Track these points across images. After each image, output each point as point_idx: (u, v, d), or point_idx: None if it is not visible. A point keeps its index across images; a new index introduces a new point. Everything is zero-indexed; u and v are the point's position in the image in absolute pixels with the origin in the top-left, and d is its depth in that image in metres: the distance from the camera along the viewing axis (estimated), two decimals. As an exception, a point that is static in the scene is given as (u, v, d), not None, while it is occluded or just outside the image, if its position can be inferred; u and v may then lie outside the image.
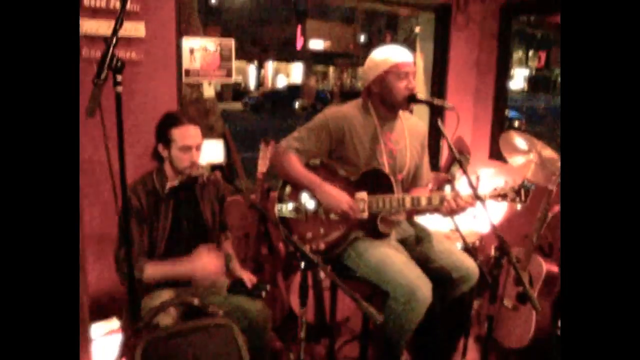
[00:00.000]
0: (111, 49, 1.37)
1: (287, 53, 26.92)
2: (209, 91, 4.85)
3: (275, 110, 20.58)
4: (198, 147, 2.11)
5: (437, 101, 2.14)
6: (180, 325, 1.58)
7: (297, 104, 21.01)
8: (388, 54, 2.21)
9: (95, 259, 2.59)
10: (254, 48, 25.15)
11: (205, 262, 2.03)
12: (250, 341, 1.84)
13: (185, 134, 2.07)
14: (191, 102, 4.63)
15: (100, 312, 2.48)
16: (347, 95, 25.77)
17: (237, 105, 21.82)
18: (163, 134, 2.08)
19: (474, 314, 2.98)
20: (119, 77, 1.39)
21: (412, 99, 2.17)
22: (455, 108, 2.04)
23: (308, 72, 26.83)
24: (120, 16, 1.41)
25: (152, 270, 2.02)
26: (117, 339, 2.35)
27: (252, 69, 27.99)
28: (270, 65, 28.79)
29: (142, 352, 1.39)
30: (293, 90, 22.86)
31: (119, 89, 1.40)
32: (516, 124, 10.17)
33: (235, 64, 3.05)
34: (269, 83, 28.39)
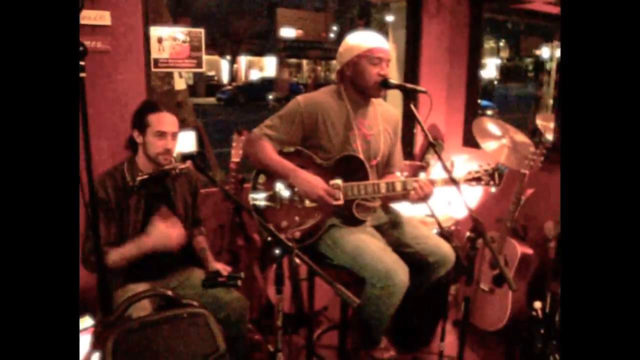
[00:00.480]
0: (72, 32, 1.31)
1: (260, 46, 26.71)
2: (180, 84, 4.78)
3: (249, 104, 20.43)
4: (174, 136, 2.09)
5: (409, 86, 2.13)
6: (152, 315, 1.55)
7: (270, 97, 20.89)
8: (362, 39, 2.19)
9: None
10: (226, 41, 24.87)
11: (163, 231, 2.00)
12: (228, 332, 1.82)
13: (162, 119, 2.05)
14: (162, 94, 4.55)
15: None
16: (321, 87, 25.72)
17: (211, 100, 21.61)
18: (139, 119, 2.07)
19: (451, 299, 3.00)
20: (82, 63, 1.34)
21: (384, 84, 2.16)
22: (434, 95, 2.03)
23: (281, 65, 26.69)
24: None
25: (115, 255, 1.99)
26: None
27: (225, 64, 27.69)
28: (243, 60, 28.53)
29: (113, 343, 1.35)
30: (266, 83, 22.75)
31: (82, 74, 1.35)
32: (489, 112, 10.29)
33: (208, 58, 3.01)
34: (242, 77, 28.15)
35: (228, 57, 27.22)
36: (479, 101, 3.91)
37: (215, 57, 25.31)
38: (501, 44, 29.79)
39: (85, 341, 2.25)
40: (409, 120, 3.75)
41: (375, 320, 2.17)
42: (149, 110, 2.07)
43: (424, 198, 2.14)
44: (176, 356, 1.43)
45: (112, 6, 2.52)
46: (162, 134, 2.04)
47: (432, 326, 2.85)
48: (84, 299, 2.52)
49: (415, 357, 2.70)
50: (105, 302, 1.47)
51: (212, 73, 26.24)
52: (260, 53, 27.88)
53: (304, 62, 28.94)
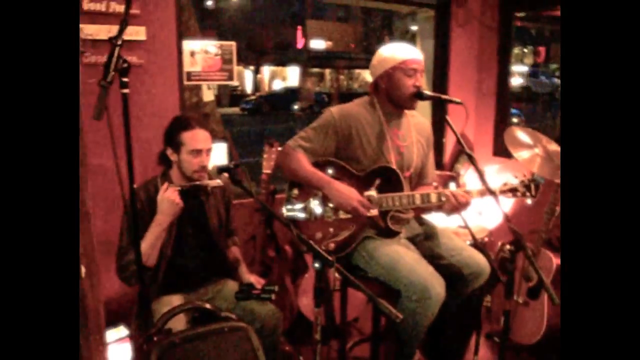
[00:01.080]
0: (117, 50, 1.35)
1: (283, 56, 26.92)
2: (208, 95, 4.84)
3: (274, 113, 20.57)
4: (208, 152, 2.10)
5: (445, 97, 2.12)
6: (194, 329, 1.55)
7: (296, 107, 21.00)
8: (396, 51, 2.20)
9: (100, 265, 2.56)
10: (250, 52, 25.15)
11: (166, 201, 2.00)
12: (262, 344, 1.82)
13: (196, 137, 2.05)
14: (191, 107, 4.61)
15: (108, 320, 2.45)
16: (344, 96, 25.70)
17: (235, 110, 21.83)
18: (172, 137, 2.06)
19: (484, 311, 2.96)
20: (125, 79, 1.37)
21: (418, 95, 2.15)
22: (464, 103, 2.02)
23: (305, 75, 26.84)
24: (125, 17, 1.39)
25: (142, 247, 1.96)
26: (126, 347, 2.32)
27: (248, 74, 27.98)
28: (266, 70, 28.78)
29: (157, 357, 1.36)
30: (290, 93, 22.86)
31: (126, 90, 1.37)
32: (515, 120, 10.16)
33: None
34: (265, 87, 28.39)
35: (251, 68, 27.50)
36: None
37: (239, 68, 25.61)
38: (525, 50, 29.44)
39: (120, 350, 2.30)
40: (438, 129, 3.72)
41: (410, 333, 2.14)
42: (182, 128, 2.06)
43: (460, 209, 2.12)
44: (218, 370, 1.44)
45: (147, 22, 2.58)
46: (197, 152, 2.05)
47: (466, 339, 2.80)
48: (118, 309, 2.57)
49: (449, 370, 2.65)
50: (146, 315, 1.48)
51: (236, 83, 26.52)
52: (283, 63, 28.10)
53: (327, 71, 29.04)
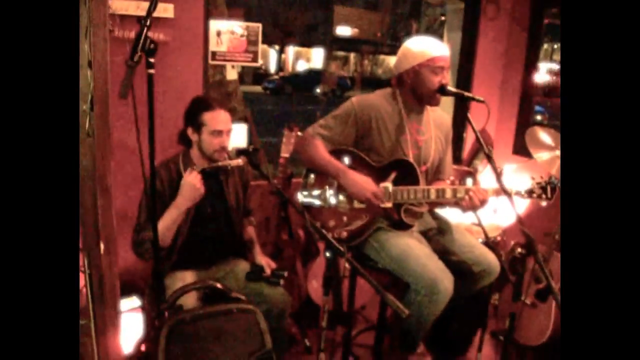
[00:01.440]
0: (145, 30, 1.37)
1: (309, 38, 26.74)
2: (232, 74, 4.85)
3: (296, 95, 20.51)
4: (228, 132, 2.13)
5: (467, 94, 2.11)
6: (204, 308, 1.60)
7: (318, 90, 20.89)
8: (425, 46, 2.17)
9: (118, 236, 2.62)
10: (276, 32, 25.03)
11: (188, 185, 2.03)
12: (269, 325, 1.86)
13: (217, 118, 2.08)
14: (213, 85, 4.64)
15: (122, 290, 2.52)
16: (367, 81, 25.54)
17: (257, 89, 21.82)
18: (194, 117, 2.09)
19: (491, 309, 2.97)
20: (152, 60, 1.39)
21: (442, 90, 2.14)
22: (486, 101, 2.01)
23: (329, 58, 26.68)
24: (155, -2, 1.41)
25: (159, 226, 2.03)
26: (138, 317, 2.39)
27: (272, 53, 27.89)
28: (291, 50, 28.66)
29: (167, 333, 1.41)
30: (313, 75, 22.73)
31: (151, 71, 1.40)
32: (539, 117, 9.99)
33: (258, 47, 3.04)
34: (289, 67, 28.30)
35: (276, 47, 27.40)
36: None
37: (264, 47, 25.53)
38: (555, 46, 28.83)
39: (133, 320, 2.37)
40: (459, 124, 3.70)
41: (415, 325, 2.17)
42: (204, 108, 2.10)
43: (478, 207, 2.12)
44: (224, 350, 1.48)
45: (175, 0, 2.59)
46: (218, 133, 2.09)
47: (470, 335, 2.82)
48: (132, 280, 2.64)
49: (452, 364, 2.68)
50: (159, 291, 1.53)
51: (260, 62, 26.46)
52: (308, 44, 27.93)
53: (351, 55, 28.83)
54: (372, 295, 3.12)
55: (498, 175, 1.91)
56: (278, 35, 25.40)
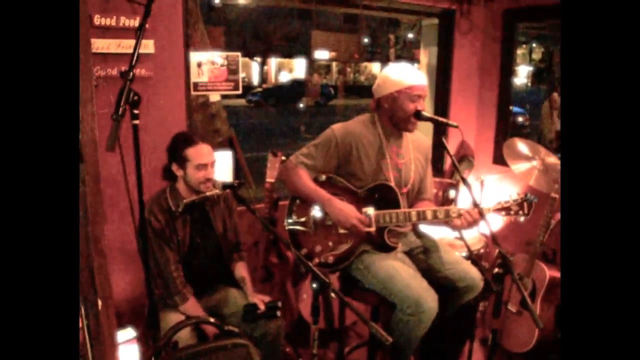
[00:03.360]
0: (128, 84, 1.43)
1: (290, 48, 26.89)
2: (215, 96, 4.93)
3: (280, 106, 20.57)
4: (212, 164, 2.19)
5: (442, 119, 2.19)
6: (200, 346, 1.65)
7: (301, 104, 20.93)
8: (404, 75, 2.26)
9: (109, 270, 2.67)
10: (256, 43, 25.14)
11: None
12: (264, 349, 1.92)
13: (200, 152, 2.15)
14: (197, 107, 4.69)
15: (117, 321, 2.56)
16: (350, 89, 25.74)
17: (241, 102, 21.87)
18: (177, 154, 2.15)
19: (479, 316, 3.04)
20: (136, 111, 1.45)
21: (417, 115, 2.22)
22: (459, 126, 2.09)
23: (311, 67, 26.86)
24: (135, 52, 1.47)
25: (189, 310, 2.14)
26: (134, 348, 2.43)
27: (255, 65, 27.99)
28: (273, 61, 28.78)
29: (164, 374, 1.46)
30: (297, 86, 22.83)
31: (136, 122, 1.46)
32: (520, 119, 10.19)
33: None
34: (272, 79, 28.40)
35: (258, 59, 27.50)
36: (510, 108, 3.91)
37: (245, 59, 25.60)
38: (534, 45, 29.26)
39: (128, 351, 2.41)
40: (440, 136, 3.79)
41: (403, 343, 2.23)
42: (186, 144, 2.15)
43: (471, 225, 2.19)
44: (220, 386, 1.54)
45: (155, 35, 2.65)
46: (203, 166, 2.15)
47: (460, 345, 2.89)
48: (127, 310, 2.68)
49: (443, 376, 2.75)
50: (155, 326, 1.58)
51: (242, 75, 26.51)
52: (290, 55, 28.09)
53: (334, 64, 29.03)
54: (363, 312, 3.17)
55: (474, 199, 1.99)
56: (259, 48, 25.51)
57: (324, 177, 2.31)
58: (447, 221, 2.22)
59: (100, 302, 1.07)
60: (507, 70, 3.72)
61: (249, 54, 25.41)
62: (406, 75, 2.25)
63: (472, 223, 2.19)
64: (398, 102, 2.25)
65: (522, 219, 2.19)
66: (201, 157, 2.15)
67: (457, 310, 2.43)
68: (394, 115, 2.29)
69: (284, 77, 27.35)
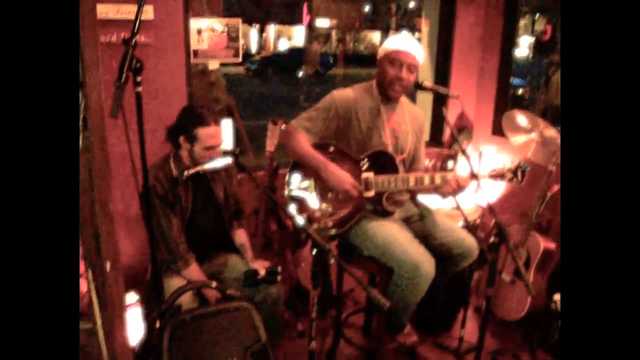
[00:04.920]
0: (130, 51, 1.43)
1: (289, 15, 26.46)
2: (213, 64, 4.89)
3: (278, 75, 20.35)
4: (219, 145, 2.20)
5: (442, 89, 2.20)
6: (203, 308, 1.70)
7: (300, 73, 20.68)
8: (391, 41, 2.30)
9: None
10: (255, 9, 24.73)
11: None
12: (264, 313, 1.97)
13: (212, 134, 2.15)
14: (196, 74, 4.66)
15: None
16: (350, 59, 25.42)
17: (240, 69, 21.63)
18: (188, 129, 2.15)
19: (473, 285, 3.11)
20: (139, 78, 1.46)
21: (418, 85, 2.23)
22: (459, 96, 2.10)
23: (310, 35, 26.50)
24: (138, 18, 1.47)
25: (192, 275, 2.17)
26: (137, 311, 2.49)
27: (253, 33, 27.60)
28: (272, 29, 28.38)
29: (170, 333, 1.51)
30: (296, 54, 22.51)
31: (139, 89, 1.47)
32: (520, 91, 10.13)
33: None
34: (270, 46, 28.05)
35: (257, 26, 27.10)
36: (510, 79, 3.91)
37: (244, 26, 25.17)
38: (536, 17, 28.82)
39: (132, 314, 2.47)
40: (440, 107, 3.80)
41: (401, 307, 2.30)
42: (199, 123, 2.13)
43: (456, 192, 2.23)
44: (222, 346, 1.59)
45: (155, 0, 2.62)
46: (210, 148, 2.16)
47: (454, 312, 2.98)
48: (130, 274, 2.73)
49: (436, 341, 2.83)
50: (158, 289, 1.62)
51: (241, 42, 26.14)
52: (289, 22, 27.66)
53: (333, 32, 28.64)
54: (361, 277, 3.24)
55: (469, 161, 2.02)
56: (258, 14, 25.11)
57: (324, 142, 2.33)
58: (437, 187, 2.26)
59: (108, 265, 1.11)
60: (509, 41, 3.69)
61: (248, 21, 25.02)
62: (392, 41, 2.29)
63: (457, 190, 2.23)
64: (382, 66, 2.30)
65: (515, 185, 2.23)
66: (211, 139, 2.16)
67: (452, 278, 2.50)
68: (379, 81, 2.34)
69: (283, 45, 27.00)
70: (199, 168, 2.14)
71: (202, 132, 2.14)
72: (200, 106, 2.28)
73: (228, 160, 2.04)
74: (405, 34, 2.36)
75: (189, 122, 2.16)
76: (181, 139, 2.18)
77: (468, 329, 2.69)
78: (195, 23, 2.86)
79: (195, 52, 2.90)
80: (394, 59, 2.26)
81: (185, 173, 2.13)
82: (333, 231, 2.32)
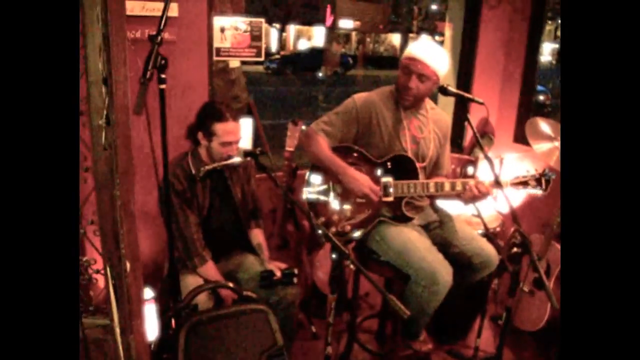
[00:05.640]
0: (156, 48, 1.43)
1: (309, 15, 26.50)
2: (234, 62, 4.91)
3: (298, 75, 20.37)
4: (237, 142, 2.20)
5: (467, 95, 2.17)
6: (220, 309, 1.69)
7: (320, 73, 20.69)
8: (410, 47, 2.28)
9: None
10: (276, 9, 24.82)
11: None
12: (279, 315, 1.96)
13: (228, 130, 2.15)
14: (217, 73, 4.67)
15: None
16: (370, 60, 25.37)
17: (259, 68, 21.71)
18: (206, 125, 2.15)
19: (490, 294, 3.07)
20: (163, 75, 1.46)
21: (442, 90, 2.20)
22: (485, 103, 2.06)
23: (330, 36, 26.49)
24: (164, 15, 1.47)
25: (207, 273, 2.17)
26: (152, 308, 2.49)
27: (274, 32, 27.68)
28: (292, 28, 28.43)
29: (186, 333, 1.51)
30: (316, 54, 22.51)
31: (163, 86, 1.47)
32: (541, 97, 10.00)
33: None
34: (290, 46, 28.10)
35: (277, 26, 27.18)
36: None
37: (265, 26, 25.28)
38: (559, 22, 28.42)
39: (147, 311, 2.47)
40: (460, 113, 3.76)
41: (417, 315, 2.27)
42: (216, 118, 2.14)
43: (478, 199, 2.20)
44: (238, 349, 1.58)
45: (180, -2, 2.63)
46: (228, 144, 2.16)
47: (470, 320, 2.93)
48: (145, 270, 2.74)
49: (451, 350, 2.79)
50: (175, 288, 1.62)
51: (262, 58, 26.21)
52: (309, 22, 27.69)
53: (353, 33, 28.60)
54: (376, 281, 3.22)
55: (493, 169, 1.98)
56: (279, 14, 25.18)
57: (343, 146, 2.31)
58: (459, 194, 2.23)
59: (128, 265, 1.10)
60: (534, 47, 3.63)
61: (268, 20, 25.11)
62: (410, 47, 2.28)
63: (479, 196, 2.19)
64: (399, 72, 2.29)
65: (539, 193, 2.19)
66: (228, 135, 2.16)
67: (470, 286, 2.45)
68: (396, 87, 2.33)
69: (303, 45, 27.03)
70: (215, 164, 2.14)
71: (220, 127, 2.13)
72: (219, 102, 2.28)
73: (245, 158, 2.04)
74: (424, 38, 2.32)
75: (207, 117, 2.17)
76: (199, 135, 2.18)
77: (484, 337, 2.64)
78: (218, 21, 2.86)
79: (218, 50, 2.90)
80: (405, 66, 2.24)
81: (202, 169, 2.12)
82: (354, 234, 2.29)
